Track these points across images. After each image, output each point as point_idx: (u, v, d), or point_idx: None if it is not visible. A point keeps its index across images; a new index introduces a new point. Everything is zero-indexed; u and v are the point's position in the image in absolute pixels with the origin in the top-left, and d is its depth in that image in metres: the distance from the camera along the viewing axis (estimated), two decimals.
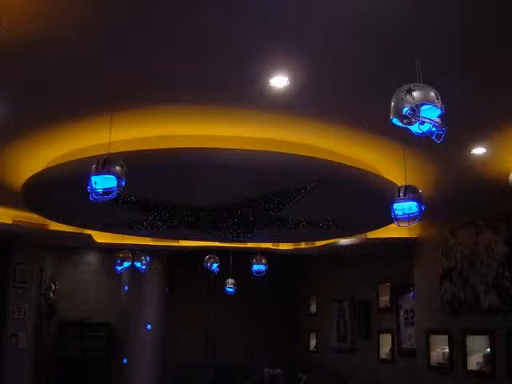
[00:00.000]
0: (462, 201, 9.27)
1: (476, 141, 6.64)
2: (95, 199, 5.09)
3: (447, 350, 10.18)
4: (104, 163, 5.04)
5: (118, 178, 5.04)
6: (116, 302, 15.93)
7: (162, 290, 15.73)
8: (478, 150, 6.88)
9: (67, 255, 15.89)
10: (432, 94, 3.83)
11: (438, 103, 3.82)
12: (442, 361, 10.35)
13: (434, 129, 3.87)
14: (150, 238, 13.22)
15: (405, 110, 3.81)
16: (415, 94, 3.81)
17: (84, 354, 15.48)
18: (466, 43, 4.47)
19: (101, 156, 5.19)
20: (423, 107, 3.81)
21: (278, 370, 15.39)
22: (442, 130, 3.88)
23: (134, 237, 12.23)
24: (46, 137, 6.84)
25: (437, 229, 10.77)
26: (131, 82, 5.23)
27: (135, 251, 13.26)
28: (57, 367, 15.08)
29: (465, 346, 9.69)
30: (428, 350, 10.70)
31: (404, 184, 5.90)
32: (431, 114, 3.85)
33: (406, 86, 3.87)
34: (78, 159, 6.72)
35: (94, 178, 5.05)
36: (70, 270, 16.17)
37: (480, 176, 7.83)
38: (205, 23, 4.17)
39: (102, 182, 5.06)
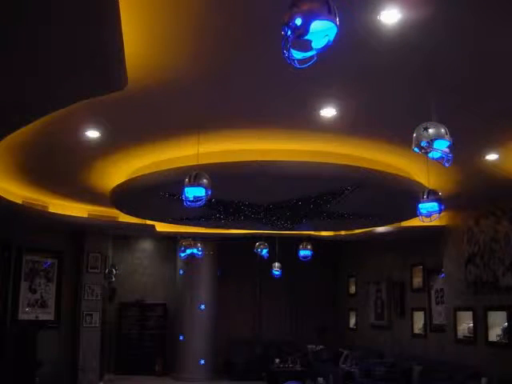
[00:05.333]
0: (484, 195, 10.56)
1: (489, 148, 8.03)
2: (188, 205, 6.64)
3: (471, 325, 11.36)
4: (195, 177, 6.58)
5: (206, 188, 6.57)
6: (170, 284, 17.45)
7: (214, 273, 17.00)
8: (491, 156, 8.26)
9: (125, 242, 17.51)
10: (443, 130, 5.21)
11: (447, 137, 5.20)
12: (467, 334, 11.55)
13: (444, 155, 5.27)
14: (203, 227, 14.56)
15: (422, 143, 5.20)
16: (430, 130, 5.19)
17: (142, 332, 17.21)
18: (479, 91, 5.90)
19: (191, 172, 6.71)
20: (436, 140, 5.20)
21: (321, 346, 16.52)
22: (450, 157, 5.28)
23: (188, 226, 13.78)
24: (135, 151, 8.45)
25: (462, 218, 11.91)
26: (217, 110, 6.77)
27: (192, 238, 14.54)
28: (119, 343, 16.86)
29: (486, 321, 10.88)
30: (455, 325, 11.89)
31: (427, 188, 7.25)
32: (442, 145, 5.23)
33: (424, 124, 5.24)
34: (167, 169, 8.34)
35: (186, 189, 6.59)
36: (129, 256, 17.79)
37: (496, 177, 9.17)
38: (276, 69, 5.59)
39: (193, 192, 6.59)
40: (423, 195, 6.96)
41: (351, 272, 17.78)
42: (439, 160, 5.31)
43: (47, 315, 13.87)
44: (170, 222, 12.86)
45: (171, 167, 8.37)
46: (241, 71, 5.65)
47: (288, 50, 3.05)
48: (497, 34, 4.76)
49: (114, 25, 4.13)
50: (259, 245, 14.15)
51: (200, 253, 14.28)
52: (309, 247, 13.42)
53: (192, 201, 6.62)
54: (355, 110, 6.79)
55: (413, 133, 5.26)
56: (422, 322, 13.73)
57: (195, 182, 6.57)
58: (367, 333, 16.33)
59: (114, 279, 16.47)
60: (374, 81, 5.84)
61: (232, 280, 17.63)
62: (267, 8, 4.35)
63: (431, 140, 5.16)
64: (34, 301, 13.55)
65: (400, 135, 7.29)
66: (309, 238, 14.45)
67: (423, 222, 7.07)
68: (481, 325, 11.04)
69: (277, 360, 14.71)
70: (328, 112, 6.68)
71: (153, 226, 14.15)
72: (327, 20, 2.93)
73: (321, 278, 18.34)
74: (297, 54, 3.13)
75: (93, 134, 7.52)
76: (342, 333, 17.88)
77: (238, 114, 6.95)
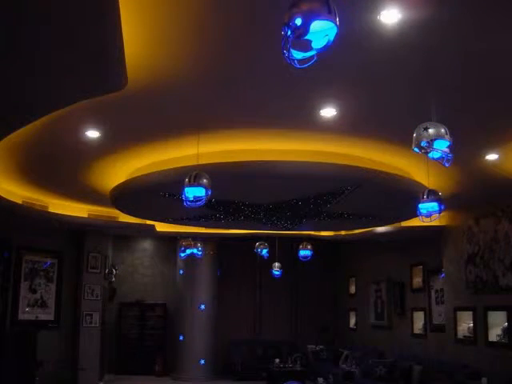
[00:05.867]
0: (484, 195, 10.56)
1: (489, 148, 8.02)
2: (188, 205, 6.64)
3: (471, 325, 11.36)
4: (195, 177, 6.58)
5: (206, 188, 6.57)
6: (170, 284, 17.50)
7: (214, 273, 17.02)
8: (491, 156, 8.26)
9: (125, 242, 17.60)
10: (442, 130, 5.21)
11: (447, 137, 5.20)
12: (467, 334, 11.55)
13: (444, 155, 5.27)
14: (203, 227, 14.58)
15: (422, 142, 5.20)
16: (430, 130, 5.18)
17: (142, 332, 17.29)
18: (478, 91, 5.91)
19: (191, 172, 6.71)
20: (436, 140, 5.20)
21: (321, 346, 16.66)
22: (450, 157, 5.27)
23: (188, 226, 13.81)
24: (135, 151, 8.45)
25: (462, 218, 11.91)
26: (217, 110, 6.79)
27: (192, 238, 14.58)
28: (119, 343, 16.92)
29: (486, 321, 10.86)
30: (455, 325, 11.87)
31: (427, 188, 7.26)
32: (442, 145, 5.23)
33: (424, 124, 5.24)
34: (167, 169, 8.35)
35: (187, 190, 6.59)
36: (128, 256, 17.87)
37: (496, 177, 9.17)
38: (276, 69, 5.63)
39: (193, 192, 6.59)
40: (423, 195, 6.98)
41: (351, 272, 17.80)
42: (439, 160, 5.31)
43: (47, 315, 13.87)
44: (170, 222, 12.88)
45: (171, 167, 8.38)
46: (241, 71, 5.66)
47: (288, 50, 3.04)
48: (497, 33, 4.76)
49: (114, 25, 4.13)
50: (259, 245, 14.25)
51: (200, 253, 14.39)
52: (309, 247, 13.50)
53: (192, 201, 6.62)
54: (355, 110, 6.80)
55: (413, 133, 5.26)
56: (422, 322, 13.74)
57: (195, 182, 6.57)
58: (367, 333, 16.36)
59: (113, 279, 16.69)
60: (374, 81, 5.84)
61: (232, 280, 17.72)
62: (267, 8, 4.35)
63: (431, 140, 5.16)
64: (34, 301, 13.54)
65: (400, 135, 7.30)
66: (309, 238, 14.50)
67: (423, 221, 7.08)
68: (481, 325, 11.03)
69: (277, 360, 14.74)
70: (328, 112, 6.67)
71: (153, 226, 14.19)
72: (327, 20, 2.92)
73: (321, 278, 18.40)
74: (297, 54, 3.12)
75: (93, 133, 7.53)
76: (342, 333, 17.91)
77: (238, 114, 6.94)
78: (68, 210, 12.68)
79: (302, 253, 13.50)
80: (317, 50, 3.07)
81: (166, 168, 8.49)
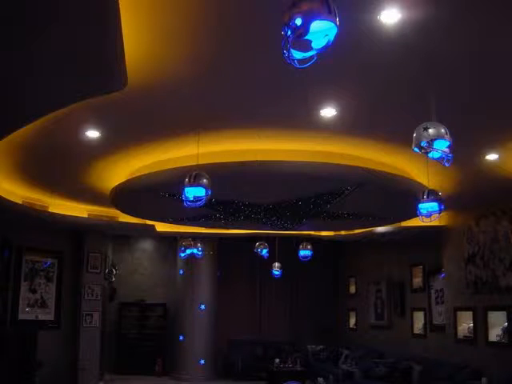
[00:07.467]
0: (484, 195, 10.56)
1: (489, 148, 8.02)
2: (188, 205, 6.65)
3: (471, 325, 11.37)
4: (195, 177, 6.58)
5: (206, 188, 6.58)
6: (170, 284, 17.48)
7: (214, 273, 17.02)
8: (491, 156, 8.26)
9: (125, 242, 17.61)
10: (443, 130, 5.21)
11: (447, 137, 5.20)
12: (467, 334, 11.55)
13: (444, 155, 5.27)
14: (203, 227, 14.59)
15: (422, 143, 5.20)
16: (430, 130, 5.19)
17: (142, 332, 17.30)
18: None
19: (191, 172, 6.72)
20: (436, 140, 5.20)
21: (321, 346, 16.67)
22: (450, 156, 5.28)
23: (188, 226, 13.80)
24: (135, 151, 8.45)
25: (462, 218, 11.92)
26: (217, 110, 6.79)
27: (192, 238, 14.59)
28: (119, 343, 16.93)
29: (486, 321, 10.88)
30: (455, 325, 11.89)
31: (427, 188, 7.26)
32: (442, 145, 5.23)
33: (424, 124, 5.24)
34: (167, 169, 8.36)
35: (186, 189, 6.59)
36: (128, 256, 17.87)
37: (496, 177, 9.17)
38: (276, 69, 5.64)
39: (193, 192, 6.59)
40: (423, 195, 6.98)
41: (351, 272, 17.81)
42: (439, 160, 5.31)
43: (47, 315, 13.86)
44: (170, 222, 12.88)
45: (171, 167, 8.39)
46: (241, 71, 5.66)
47: (288, 50, 3.05)
48: (497, 33, 4.77)
49: (114, 25, 4.13)
50: (259, 245, 14.21)
51: (200, 253, 14.37)
52: (309, 247, 13.49)
53: (192, 201, 6.62)
54: (355, 110, 6.79)
55: (413, 133, 5.26)
56: (422, 322, 13.76)
57: (195, 182, 6.58)
58: (367, 333, 16.37)
59: (114, 279, 16.74)
60: (373, 81, 5.84)
61: (232, 280, 17.67)
62: (267, 8, 4.35)
63: (431, 140, 5.16)
64: (34, 301, 13.54)
65: (400, 135, 7.29)
66: (309, 238, 14.48)
67: (423, 222, 7.08)
68: (481, 325, 11.05)
69: (277, 360, 14.72)
70: (328, 112, 6.68)
71: (153, 226, 14.15)
72: (327, 20, 2.93)
73: (321, 278, 18.37)
74: (297, 54, 3.13)
75: (93, 133, 7.53)
76: (342, 333, 17.90)
77: (238, 113, 6.95)
78: (68, 210, 12.67)
79: (302, 253, 13.48)
80: (317, 49, 3.08)
81: (166, 168, 8.49)
